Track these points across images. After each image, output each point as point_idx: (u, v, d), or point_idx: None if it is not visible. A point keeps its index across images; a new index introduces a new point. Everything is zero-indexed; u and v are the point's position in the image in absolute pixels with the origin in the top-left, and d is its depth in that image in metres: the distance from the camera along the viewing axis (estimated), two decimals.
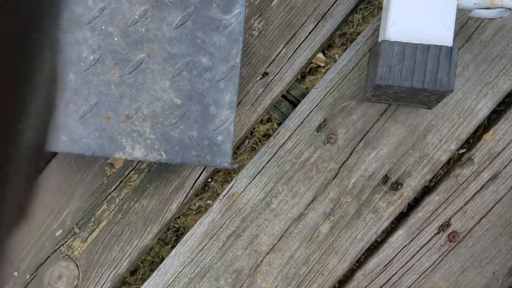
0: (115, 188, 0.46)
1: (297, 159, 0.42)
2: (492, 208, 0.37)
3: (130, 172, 0.46)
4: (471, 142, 0.39)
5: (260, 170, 0.43)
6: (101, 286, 0.45)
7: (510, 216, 0.36)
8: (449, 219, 0.38)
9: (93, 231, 0.46)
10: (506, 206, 0.37)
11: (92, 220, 0.46)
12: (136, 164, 0.46)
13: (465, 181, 0.38)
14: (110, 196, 0.46)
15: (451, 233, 0.37)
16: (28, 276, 0.47)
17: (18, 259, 0.47)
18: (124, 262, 0.45)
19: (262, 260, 0.42)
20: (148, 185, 0.46)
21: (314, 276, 0.41)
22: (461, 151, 0.39)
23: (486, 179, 0.37)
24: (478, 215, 0.37)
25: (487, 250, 0.37)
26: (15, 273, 0.47)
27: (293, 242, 0.42)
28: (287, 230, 0.42)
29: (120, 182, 0.46)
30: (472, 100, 0.38)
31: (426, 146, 0.39)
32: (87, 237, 0.46)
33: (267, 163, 0.43)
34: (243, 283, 0.42)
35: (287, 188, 0.42)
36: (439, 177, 0.39)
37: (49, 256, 0.47)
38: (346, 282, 0.40)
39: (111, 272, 0.45)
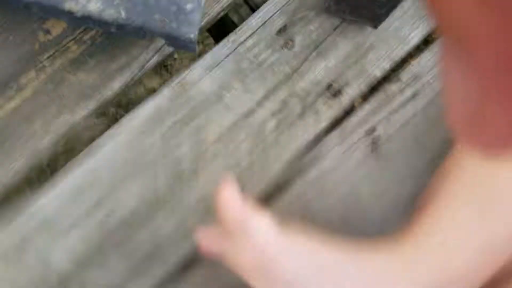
0: (48, 57, 0.41)
1: (255, 59, 0.44)
2: (410, 120, 0.44)
3: (69, 42, 0.41)
4: (402, 64, 0.46)
5: (218, 64, 0.43)
6: (14, 160, 0.39)
7: (423, 128, 0.44)
8: (376, 125, 0.44)
9: (12, 99, 0.40)
10: (421, 120, 0.44)
11: (14, 87, 0.40)
12: (78, 35, 0.42)
13: (392, 95, 0.44)
14: (41, 64, 0.41)
15: (375, 136, 0.43)
16: None
17: None
18: (47, 137, 0.40)
19: (207, 149, 0.42)
20: (89, 59, 0.42)
21: (255, 168, 0.43)
22: (392, 71, 0.46)
23: (409, 96, 0.44)
24: (399, 124, 0.44)
25: (405, 157, 0.44)
26: None
27: (239, 135, 0.43)
28: (235, 123, 0.43)
29: (55, 52, 0.41)
30: (407, 30, 0.45)
31: (366, 63, 0.45)
32: (4, 105, 0.40)
33: (225, 57, 0.43)
34: (184, 171, 0.42)
35: (242, 84, 0.43)
36: (372, 90, 0.45)
37: None
38: (287, 173, 0.43)
39: (28, 146, 0.39)
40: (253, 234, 0.31)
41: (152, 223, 0.40)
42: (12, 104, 0.40)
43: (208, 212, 0.41)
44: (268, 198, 0.42)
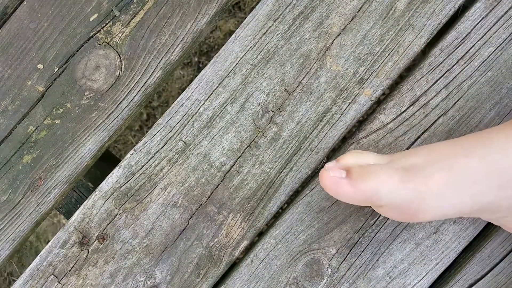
0: None
1: None
2: None
3: None
4: None
5: None
6: (150, 75, 0.40)
7: None
8: None
9: (136, 14, 0.40)
10: None
11: (134, 1, 0.40)
12: None
13: None
14: None
15: None
16: (56, 69, 0.41)
17: (43, 49, 0.40)
18: (176, 47, 0.40)
19: (332, 42, 0.40)
20: None
21: (389, 54, 0.39)
22: None
23: None
24: None
25: None
26: (40, 66, 0.41)
27: (366, 21, 0.39)
28: (360, 8, 0.39)
29: None
30: None
31: None
32: (130, 21, 0.40)
33: None
34: (310, 68, 0.40)
35: None
36: None
37: (82, 45, 0.40)
38: (422, 58, 0.39)
39: (161, 59, 0.40)
40: (379, 193, 0.31)
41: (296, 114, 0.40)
42: (137, 18, 0.40)
43: (340, 94, 0.39)
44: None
